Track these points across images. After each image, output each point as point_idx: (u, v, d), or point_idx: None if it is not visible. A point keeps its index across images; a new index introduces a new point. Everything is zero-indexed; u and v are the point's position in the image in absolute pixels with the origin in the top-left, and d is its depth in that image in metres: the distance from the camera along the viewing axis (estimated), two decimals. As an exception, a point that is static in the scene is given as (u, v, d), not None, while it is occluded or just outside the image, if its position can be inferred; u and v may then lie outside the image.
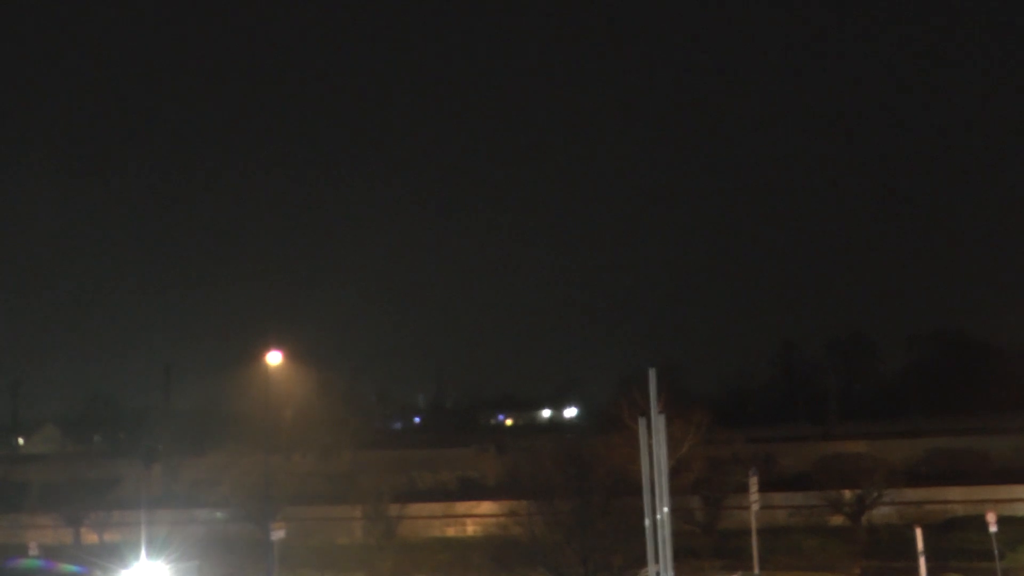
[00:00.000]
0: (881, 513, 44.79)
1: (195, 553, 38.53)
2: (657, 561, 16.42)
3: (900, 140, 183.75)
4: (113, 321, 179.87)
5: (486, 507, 49.53)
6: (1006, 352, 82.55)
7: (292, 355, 46.11)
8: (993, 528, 34.67)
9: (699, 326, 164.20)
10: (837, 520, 45.38)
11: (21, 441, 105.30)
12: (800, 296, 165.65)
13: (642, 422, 17.31)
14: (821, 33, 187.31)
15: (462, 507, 51.76)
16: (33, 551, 42.47)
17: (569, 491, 35.23)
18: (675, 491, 20.53)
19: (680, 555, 20.88)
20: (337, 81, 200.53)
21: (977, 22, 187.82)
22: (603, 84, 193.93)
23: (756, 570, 35.33)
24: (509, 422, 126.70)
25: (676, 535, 17.13)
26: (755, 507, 35.92)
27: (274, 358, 41.92)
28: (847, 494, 44.88)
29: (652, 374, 16.79)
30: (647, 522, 16.82)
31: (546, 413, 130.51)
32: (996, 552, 35.04)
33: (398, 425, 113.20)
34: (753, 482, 36.19)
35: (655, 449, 16.53)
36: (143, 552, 33.20)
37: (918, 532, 33.89)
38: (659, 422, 16.47)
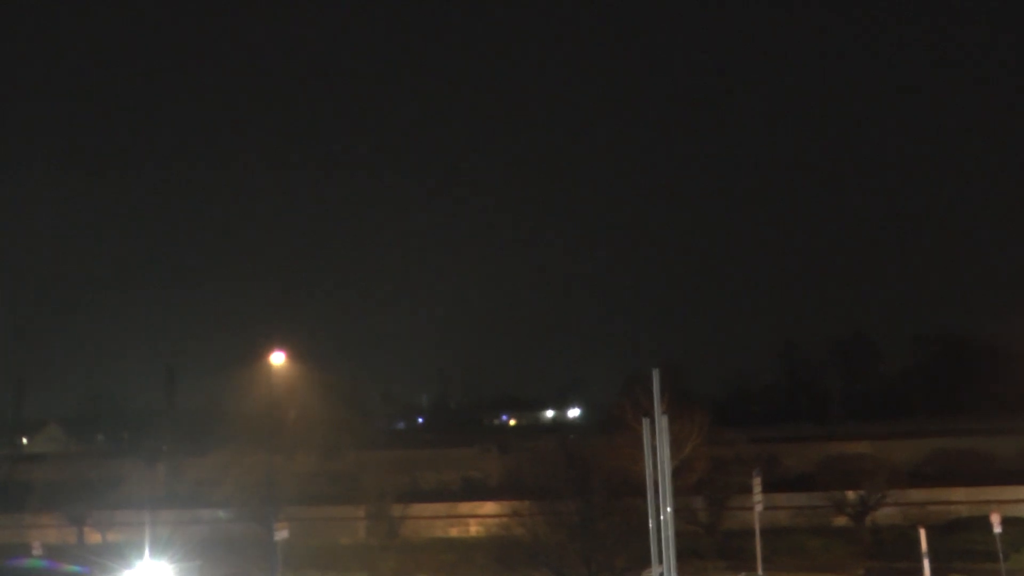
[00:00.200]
0: (885, 514, 44.75)
1: (198, 553, 38.59)
2: (660, 562, 16.36)
3: (903, 140, 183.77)
4: (116, 321, 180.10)
5: (489, 507, 49.49)
6: (1010, 352, 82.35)
7: (295, 355, 46.18)
8: (997, 529, 34.58)
9: (702, 326, 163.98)
10: (840, 521, 45.34)
11: (24, 441, 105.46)
12: (803, 296, 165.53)
13: (646, 423, 17.25)
14: (822, 33, 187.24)
15: (465, 507, 51.72)
16: (36, 551, 42.49)
17: (572, 492, 35.23)
18: (678, 492, 20.48)
19: (683, 556, 20.83)
20: (338, 80, 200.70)
21: (978, 22, 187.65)
22: (605, 84, 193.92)
23: (759, 571, 35.28)
24: (512, 422, 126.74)
25: (679, 536, 17.04)
26: (758, 508, 35.84)
27: (277, 358, 41.98)
28: (850, 495, 44.85)
29: (656, 375, 16.70)
30: (650, 523, 16.78)
31: (549, 413, 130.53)
32: (1000, 553, 34.97)
33: (401, 425, 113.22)
34: (756, 483, 36.13)
35: (658, 450, 16.47)
36: (146, 552, 33.28)
37: (922, 533, 33.80)
38: (663, 423, 16.41)
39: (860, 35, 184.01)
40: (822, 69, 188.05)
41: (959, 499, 46.96)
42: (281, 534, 36.50)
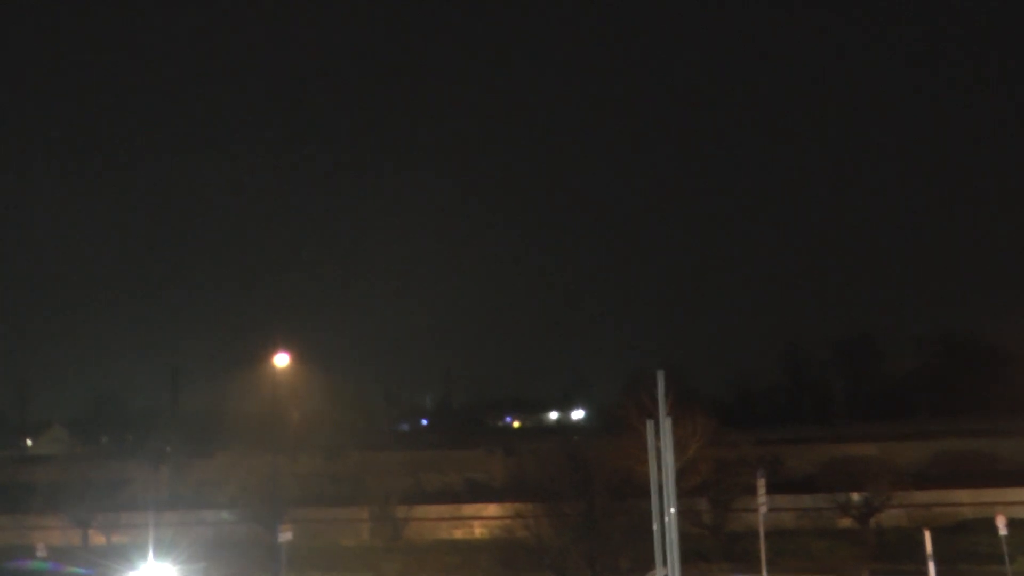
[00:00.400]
0: (889, 516, 44.65)
1: (202, 554, 38.60)
2: (665, 564, 16.32)
3: (906, 140, 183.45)
4: (120, 323, 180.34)
5: (493, 509, 49.45)
6: (1014, 353, 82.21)
7: (299, 356, 46.17)
8: (1003, 531, 34.50)
9: (706, 327, 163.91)
10: (845, 523, 45.26)
11: (29, 442, 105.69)
12: (807, 297, 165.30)
13: (650, 424, 17.22)
14: (822, 33, 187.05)
15: (469, 509, 51.68)
16: (41, 552, 42.51)
17: (576, 493, 35.20)
18: (682, 493, 20.49)
19: (688, 558, 20.78)
20: (343, 81, 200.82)
21: (979, 23, 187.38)
22: (606, 84, 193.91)
23: (764, 573, 35.19)
24: (516, 424, 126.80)
25: (683, 538, 17.01)
26: (763, 510, 35.75)
27: (281, 359, 41.96)
28: (855, 497, 44.76)
29: (660, 377, 16.67)
30: (654, 525, 16.74)
31: (553, 415, 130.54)
32: (1006, 555, 34.87)
33: (405, 427, 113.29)
34: (760, 484, 36.02)
35: (662, 451, 16.44)
36: (150, 553, 33.26)
37: (927, 535, 33.69)
38: (667, 424, 16.38)
39: (860, 35, 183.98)
40: (822, 69, 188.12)
41: (964, 501, 46.84)
42: (285, 536, 36.49)
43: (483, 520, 49.80)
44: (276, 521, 39.01)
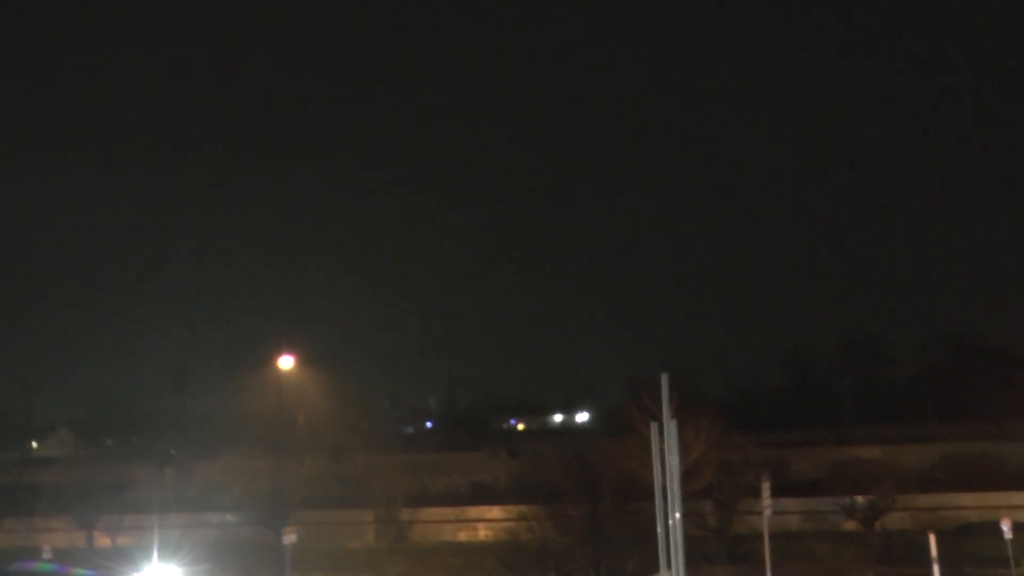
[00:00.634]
0: (894, 519, 44.52)
1: (206, 557, 38.61)
2: (669, 566, 16.32)
3: (913, 142, 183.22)
4: (126, 325, 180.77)
5: (498, 512, 49.41)
6: (1021, 356, 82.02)
7: (304, 359, 46.26)
8: (1009, 535, 34.38)
9: (710, 329, 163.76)
10: (850, 526, 45.16)
11: (34, 444, 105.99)
12: (812, 299, 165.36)
13: (654, 427, 17.21)
14: (822, 33, 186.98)
15: (474, 512, 51.68)
16: (46, 554, 42.58)
17: (580, 496, 35.16)
18: (686, 496, 20.43)
19: (692, 560, 20.76)
20: (345, 82, 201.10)
21: (981, 23, 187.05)
22: (607, 85, 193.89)
23: (768, 575, 35.13)
24: (521, 426, 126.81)
25: (688, 540, 17.02)
26: (767, 512, 35.68)
27: (286, 362, 42.05)
28: (860, 499, 44.66)
29: (665, 379, 16.68)
30: (659, 527, 16.73)
31: (558, 417, 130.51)
32: (1011, 559, 34.77)
33: (410, 429, 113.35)
34: (765, 487, 35.93)
35: (667, 454, 16.43)
36: (155, 555, 33.25)
37: (932, 538, 33.59)
38: (671, 427, 16.37)
39: (863, 35, 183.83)
40: (823, 69, 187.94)
41: (969, 504, 46.70)
42: (290, 538, 36.54)
43: (487, 522, 49.80)
44: (281, 523, 39.07)
